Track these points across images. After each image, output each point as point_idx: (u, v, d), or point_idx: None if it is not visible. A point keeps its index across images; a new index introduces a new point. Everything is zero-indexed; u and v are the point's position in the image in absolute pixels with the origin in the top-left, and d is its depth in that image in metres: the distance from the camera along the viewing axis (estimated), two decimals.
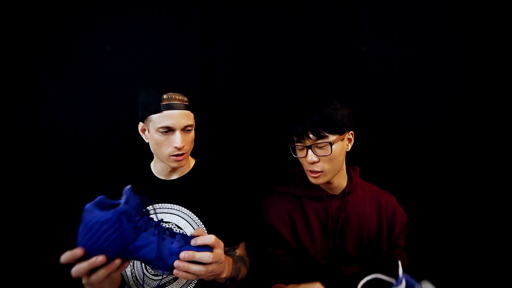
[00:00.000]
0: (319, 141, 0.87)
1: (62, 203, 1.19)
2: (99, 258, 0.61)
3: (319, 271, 0.97)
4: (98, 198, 0.67)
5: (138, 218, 0.66)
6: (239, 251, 1.01)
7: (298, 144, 0.91)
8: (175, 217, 0.95)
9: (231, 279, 0.88)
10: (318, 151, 0.89)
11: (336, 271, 0.97)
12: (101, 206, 0.66)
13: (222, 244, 0.74)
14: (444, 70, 1.16)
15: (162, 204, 0.97)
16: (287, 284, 0.87)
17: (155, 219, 0.71)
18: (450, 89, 1.17)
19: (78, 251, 0.62)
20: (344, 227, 0.97)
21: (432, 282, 0.78)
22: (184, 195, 0.98)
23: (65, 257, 0.62)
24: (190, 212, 0.95)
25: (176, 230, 0.93)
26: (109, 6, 1.11)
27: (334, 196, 0.99)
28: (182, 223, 0.94)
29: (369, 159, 1.17)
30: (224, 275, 0.79)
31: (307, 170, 0.94)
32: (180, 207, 0.96)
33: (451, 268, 1.22)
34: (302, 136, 0.88)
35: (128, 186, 0.67)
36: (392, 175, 1.21)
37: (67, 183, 1.20)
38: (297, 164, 1.08)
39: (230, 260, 0.89)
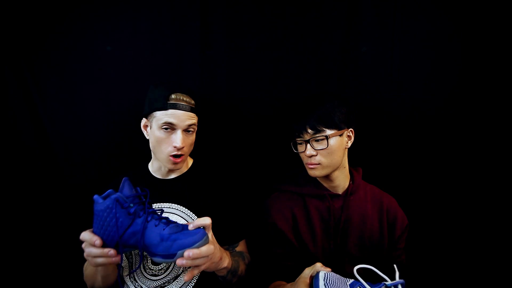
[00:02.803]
0: (316, 135, 0.92)
1: (61, 203, 1.19)
2: (97, 241, 0.69)
3: None
4: (107, 192, 0.72)
5: (131, 204, 0.70)
6: (238, 249, 1.00)
7: (298, 139, 0.97)
8: (174, 216, 0.93)
9: (232, 272, 0.88)
10: (316, 145, 0.93)
11: (337, 271, 0.96)
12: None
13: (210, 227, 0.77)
14: (444, 69, 1.16)
15: (161, 203, 0.96)
16: (288, 282, 0.86)
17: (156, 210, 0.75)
18: (450, 89, 1.16)
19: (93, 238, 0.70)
20: (346, 226, 0.97)
21: (433, 282, 0.78)
22: (183, 194, 0.97)
23: (83, 237, 0.72)
24: (189, 211, 0.94)
25: None
26: (109, 6, 1.12)
27: (337, 195, 1.00)
28: (181, 222, 0.92)
29: (369, 159, 1.16)
30: (225, 265, 0.81)
31: (306, 164, 0.98)
32: (179, 206, 0.95)
33: (451, 269, 1.20)
34: (301, 131, 0.94)
35: (125, 177, 0.73)
36: (393, 176, 1.20)
37: (66, 182, 1.19)
38: (297, 162, 1.07)
39: (227, 251, 0.90)
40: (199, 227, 0.73)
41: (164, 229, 0.70)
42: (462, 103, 1.16)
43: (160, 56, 1.16)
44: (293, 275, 0.85)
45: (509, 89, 1.12)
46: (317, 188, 1.00)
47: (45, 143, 1.17)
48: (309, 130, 0.92)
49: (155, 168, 1.02)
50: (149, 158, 1.05)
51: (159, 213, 0.75)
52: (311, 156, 0.93)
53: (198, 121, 0.98)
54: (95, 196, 0.72)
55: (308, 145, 0.93)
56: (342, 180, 1.00)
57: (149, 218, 0.71)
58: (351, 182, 1.02)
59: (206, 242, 0.71)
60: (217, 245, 0.79)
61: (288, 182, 1.05)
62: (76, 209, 1.18)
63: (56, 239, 1.17)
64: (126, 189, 0.71)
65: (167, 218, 0.75)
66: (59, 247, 1.16)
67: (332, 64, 1.18)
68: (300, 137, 0.95)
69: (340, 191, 1.00)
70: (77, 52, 1.14)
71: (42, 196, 1.17)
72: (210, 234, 0.75)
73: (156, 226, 0.71)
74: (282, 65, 1.17)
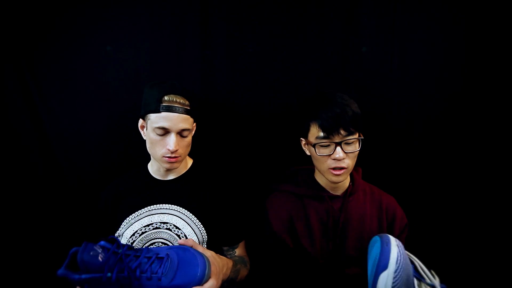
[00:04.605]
0: (349, 138, 0.88)
1: (61, 203, 1.19)
2: None
3: (319, 272, 0.96)
4: (68, 256, 0.64)
5: (108, 274, 0.60)
6: (238, 251, 1.00)
7: (325, 140, 0.88)
8: (174, 217, 0.93)
9: (229, 281, 0.87)
10: (347, 148, 0.89)
11: (336, 272, 0.96)
12: (72, 265, 0.63)
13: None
14: (444, 69, 1.15)
15: (160, 204, 0.95)
16: (286, 282, 0.86)
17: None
18: (451, 88, 1.16)
19: None
20: (345, 228, 0.96)
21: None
22: (182, 195, 0.97)
23: None
24: (188, 212, 0.94)
25: (174, 230, 0.92)
26: (109, 6, 1.12)
27: (336, 196, 0.99)
28: (180, 224, 0.93)
29: (369, 159, 1.16)
30: (225, 278, 0.82)
31: (328, 169, 0.91)
32: (178, 207, 0.95)
33: (451, 269, 1.20)
34: (332, 133, 0.87)
35: (82, 245, 0.61)
36: (393, 176, 1.20)
37: (66, 183, 1.19)
38: (298, 163, 1.07)
39: (230, 263, 0.89)
40: (189, 248, 0.71)
41: (160, 280, 0.62)
42: (462, 103, 1.16)
43: (160, 56, 1.16)
44: (292, 277, 0.85)
45: (510, 88, 1.12)
46: (316, 189, 1.00)
47: (45, 143, 1.16)
48: (342, 132, 0.87)
49: (154, 169, 1.02)
50: (149, 158, 1.05)
51: (147, 257, 0.66)
52: (341, 159, 0.88)
53: (197, 122, 0.98)
54: (60, 272, 0.61)
55: (338, 148, 0.87)
56: (344, 181, 0.99)
57: (137, 275, 0.62)
58: (350, 183, 1.01)
59: (209, 273, 0.68)
60: (219, 262, 0.80)
61: (287, 182, 1.05)
62: (76, 210, 1.18)
63: (56, 239, 1.17)
64: (91, 260, 0.59)
65: (156, 255, 0.66)
66: (59, 247, 1.16)
67: (332, 64, 1.17)
68: (329, 138, 0.88)
69: (340, 192, 1.00)
70: (77, 52, 1.14)
71: (42, 197, 1.17)
72: (209, 254, 0.76)
73: (149, 279, 0.62)
74: (282, 65, 1.17)
